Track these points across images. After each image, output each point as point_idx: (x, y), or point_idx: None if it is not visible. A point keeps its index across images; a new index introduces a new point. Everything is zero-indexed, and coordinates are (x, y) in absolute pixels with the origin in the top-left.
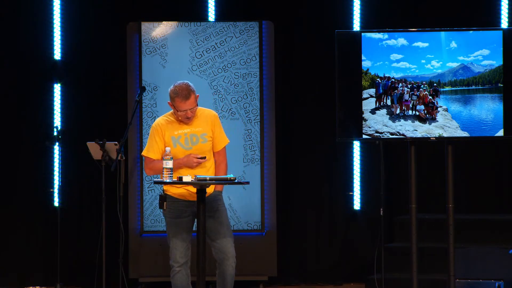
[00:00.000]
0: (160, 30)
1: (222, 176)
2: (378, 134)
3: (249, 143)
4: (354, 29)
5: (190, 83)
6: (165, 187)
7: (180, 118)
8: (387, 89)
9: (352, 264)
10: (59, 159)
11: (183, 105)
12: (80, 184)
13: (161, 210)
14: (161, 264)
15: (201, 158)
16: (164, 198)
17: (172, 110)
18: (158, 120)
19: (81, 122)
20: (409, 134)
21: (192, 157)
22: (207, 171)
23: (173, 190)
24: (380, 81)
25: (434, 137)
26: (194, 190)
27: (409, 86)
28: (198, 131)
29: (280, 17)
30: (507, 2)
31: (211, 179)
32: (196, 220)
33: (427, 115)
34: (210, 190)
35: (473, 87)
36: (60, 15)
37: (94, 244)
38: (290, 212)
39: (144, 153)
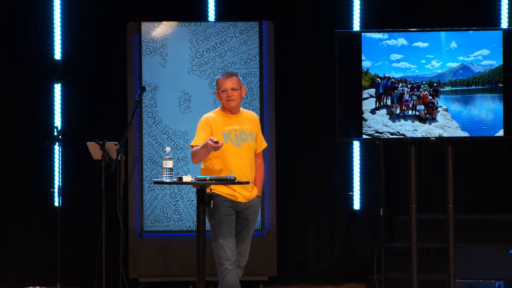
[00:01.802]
0: (160, 30)
1: (222, 176)
2: (378, 134)
3: None
4: (354, 29)
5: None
6: (213, 186)
7: (223, 101)
8: (387, 89)
9: (352, 264)
10: (59, 159)
11: (225, 82)
12: (80, 184)
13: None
14: (161, 264)
15: (216, 142)
16: (211, 196)
17: (219, 108)
18: (206, 115)
19: (81, 122)
20: (409, 134)
21: (209, 142)
22: (252, 172)
23: (223, 190)
24: (380, 81)
25: (434, 137)
26: (244, 191)
27: (409, 86)
28: (246, 129)
29: (280, 17)
30: (507, 2)
31: (211, 179)
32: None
33: (427, 115)
34: (254, 194)
35: (473, 87)
36: (60, 15)
37: (94, 244)
38: (290, 212)
39: (192, 143)
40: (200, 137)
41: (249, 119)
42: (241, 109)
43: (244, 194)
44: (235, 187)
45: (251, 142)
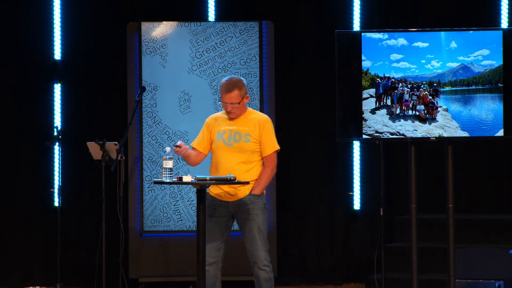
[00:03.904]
0: (160, 30)
1: (222, 176)
2: (378, 134)
3: None
4: (354, 29)
5: (242, 81)
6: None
7: (224, 110)
8: (387, 89)
9: (352, 264)
10: (59, 159)
11: (224, 96)
12: (80, 184)
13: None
14: (161, 264)
15: (175, 146)
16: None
17: None
18: (214, 114)
19: (81, 122)
20: (409, 134)
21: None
22: (246, 172)
23: (212, 189)
24: (380, 81)
25: (434, 137)
26: (228, 189)
27: (409, 86)
28: (243, 130)
29: (280, 17)
30: (507, 2)
31: (211, 179)
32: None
33: (427, 115)
34: (245, 192)
35: (473, 87)
36: (60, 15)
37: (94, 244)
38: (290, 212)
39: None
40: (197, 139)
41: (253, 122)
42: (251, 110)
43: (230, 192)
44: (222, 186)
45: (245, 143)
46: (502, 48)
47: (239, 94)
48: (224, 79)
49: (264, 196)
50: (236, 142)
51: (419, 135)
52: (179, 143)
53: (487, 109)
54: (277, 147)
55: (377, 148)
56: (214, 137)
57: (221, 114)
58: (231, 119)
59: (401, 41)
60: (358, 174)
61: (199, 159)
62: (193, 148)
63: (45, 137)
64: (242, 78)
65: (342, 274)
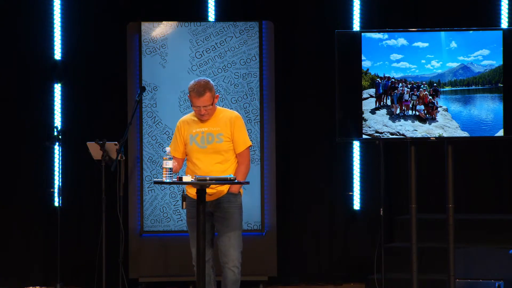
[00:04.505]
0: (160, 30)
1: (222, 176)
2: (378, 134)
3: None
4: (354, 29)
5: (210, 82)
6: (185, 187)
7: (195, 114)
8: (387, 89)
9: (352, 264)
10: (59, 159)
11: (196, 101)
12: (80, 184)
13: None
14: (161, 264)
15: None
16: (184, 198)
17: None
18: (183, 117)
19: (81, 122)
20: (409, 134)
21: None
22: (223, 172)
23: (190, 191)
24: (380, 81)
25: (434, 137)
26: (207, 189)
27: (409, 86)
28: (215, 131)
29: (280, 17)
30: (507, 2)
31: (211, 179)
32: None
33: (427, 115)
34: (223, 191)
35: (473, 87)
36: (60, 15)
37: (94, 244)
38: (290, 212)
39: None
40: (173, 147)
41: (223, 121)
42: (220, 109)
43: (209, 192)
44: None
45: (218, 143)
46: (502, 48)
47: (211, 96)
48: (191, 83)
49: (241, 195)
50: (210, 144)
51: (419, 135)
52: (167, 150)
53: (487, 109)
54: (249, 143)
55: (377, 148)
56: (187, 140)
57: (190, 116)
58: (203, 121)
59: (401, 41)
60: (358, 174)
61: (181, 165)
62: (173, 157)
63: (45, 137)
64: (208, 78)
65: (342, 274)
